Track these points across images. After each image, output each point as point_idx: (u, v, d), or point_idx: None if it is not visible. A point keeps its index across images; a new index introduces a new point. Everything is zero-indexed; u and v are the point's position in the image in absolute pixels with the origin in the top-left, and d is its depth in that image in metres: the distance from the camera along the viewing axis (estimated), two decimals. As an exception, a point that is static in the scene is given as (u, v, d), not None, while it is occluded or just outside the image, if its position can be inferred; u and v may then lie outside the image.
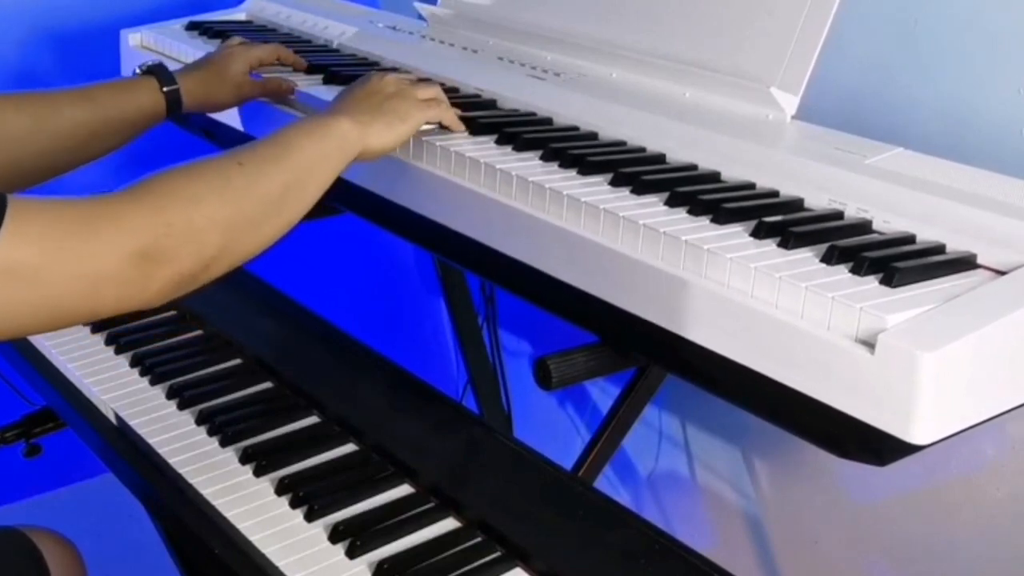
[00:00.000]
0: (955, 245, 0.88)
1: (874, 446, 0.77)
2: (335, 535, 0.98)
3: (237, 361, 1.29)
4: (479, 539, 0.98)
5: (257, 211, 0.90)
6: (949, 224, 0.89)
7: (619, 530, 0.98)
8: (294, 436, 1.14)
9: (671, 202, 0.95)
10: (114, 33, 1.65)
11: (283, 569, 0.94)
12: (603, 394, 1.95)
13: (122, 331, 1.34)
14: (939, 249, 0.88)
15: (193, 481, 1.06)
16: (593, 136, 1.15)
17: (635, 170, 1.01)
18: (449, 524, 1.01)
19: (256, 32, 1.65)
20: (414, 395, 1.20)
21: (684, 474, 1.84)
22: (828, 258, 0.84)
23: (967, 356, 0.73)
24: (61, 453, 1.53)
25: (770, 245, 0.87)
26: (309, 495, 1.03)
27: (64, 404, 1.26)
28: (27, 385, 1.38)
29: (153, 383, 1.24)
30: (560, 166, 1.05)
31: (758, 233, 0.89)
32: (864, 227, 0.92)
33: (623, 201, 0.95)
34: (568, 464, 1.23)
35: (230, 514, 1.01)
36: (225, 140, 1.48)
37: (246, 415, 1.17)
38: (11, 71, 1.82)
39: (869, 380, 0.74)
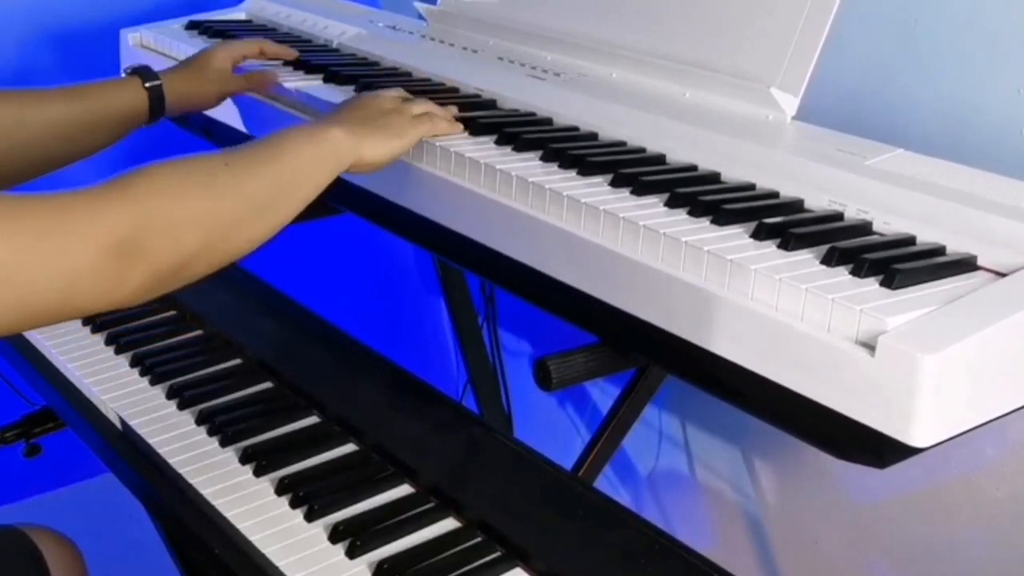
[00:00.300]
0: (956, 247, 0.88)
1: (874, 448, 0.77)
2: (335, 535, 0.98)
3: (237, 361, 1.29)
4: (479, 539, 0.99)
5: (241, 211, 0.89)
6: (950, 225, 0.89)
7: (619, 530, 0.98)
8: (294, 436, 1.14)
9: (671, 203, 0.95)
10: (114, 33, 1.65)
11: (283, 569, 0.94)
12: (603, 394, 1.95)
13: (122, 331, 1.34)
14: (939, 251, 0.88)
15: (193, 481, 1.06)
16: (593, 136, 1.15)
17: (635, 171, 1.01)
18: (449, 524, 1.01)
19: (256, 32, 1.64)
20: (414, 395, 1.20)
21: (684, 474, 1.84)
22: (828, 260, 0.84)
23: (968, 358, 0.73)
24: (61, 453, 1.53)
25: (770, 246, 0.87)
26: (309, 495, 1.03)
27: (64, 404, 1.26)
28: (27, 385, 1.38)
29: (153, 383, 1.24)
30: (560, 167, 1.05)
31: (758, 234, 0.89)
32: (864, 228, 0.92)
33: (623, 202, 0.95)
34: (568, 464, 1.23)
35: (230, 514, 1.01)
36: (225, 139, 1.48)
37: (246, 415, 1.17)
38: (11, 71, 1.82)
39: (869, 382, 0.74)
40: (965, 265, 0.85)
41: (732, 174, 1.03)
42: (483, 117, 1.17)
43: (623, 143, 1.12)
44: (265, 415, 1.17)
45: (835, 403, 0.76)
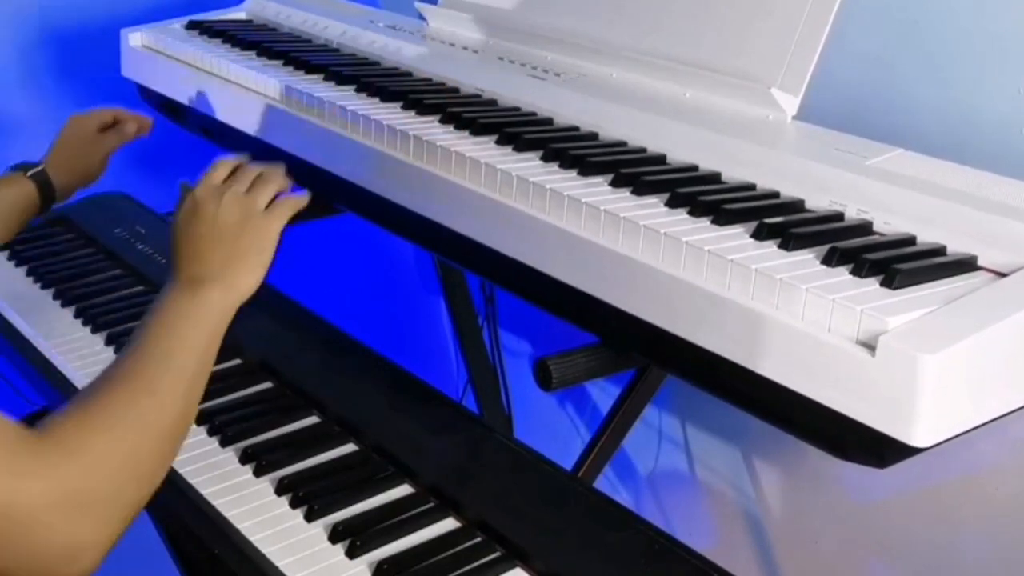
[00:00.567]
0: (956, 247, 0.88)
1: (874, 448, 0.77)
2: (335, 535, 0.98)
3: (237, 361, 1.29)
4: (479, 539, 0.98)
5: (172, 429, 0.88)
6: (950, 226, 0.89)
7: (619, 530, 0.98)
8: (294, 436, 1.14)
9: (672, 203, 0.95)
10: (114, 33, 1.65)
11: (283, 569, 0.94)
12: (603, 394, 1.95)
13: (123, 331, 1.34)
14: (940, 251, 0.88)
15: (193, 481, 1.06)
16: (593, 136, 1.15)
17: (636, 171, 1.01)
18: (449, 524, 1.01)
19: (256, 31, 1.65)
20: (414, 395, 1.20)
21: (684, 474, 1.84)
22: (829, 260, 0.84)
23: (968, 358, 0.73)
24: (61, 453, 1.53)
25: (771, 246, 0.87)
26: (309, 495, 1.03)
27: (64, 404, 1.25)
28: (27, 385, 1.38)
29: (153, 383, 1.24)
30: (560, 167, 1.05)
31: (759, 234, 0.89)
32: (865, 228, 0.92)
33: (624, 202, 0.95)
34: (568, 464, 1.23)
35: (230, 514, 1.01)
36: (225, 139, 1.48)
37: (246, 415, 1.17)
38: (12, 71, 1.82)
39: (870, 382, 0.74)
40: (965, 265, 0.85)
41: (733, 174, 1.03)
42: (483, 117, 1.17)
43: (623, 143, 1.12)
44: (265, 415, 1.17)
45: (835, 403, 0.76)
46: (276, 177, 1.04)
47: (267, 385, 1.25)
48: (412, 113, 1.21)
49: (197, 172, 1.03)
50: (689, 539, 0.98)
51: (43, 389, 1.31)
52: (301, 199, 1.05)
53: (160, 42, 1.59)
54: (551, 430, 2.07)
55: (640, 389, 1.32)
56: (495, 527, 0.99)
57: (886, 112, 1.34)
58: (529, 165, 1.05)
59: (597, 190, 0.98)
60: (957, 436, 0.76)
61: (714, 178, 1.03)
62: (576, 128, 1.16)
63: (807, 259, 0.85)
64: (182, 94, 1.51)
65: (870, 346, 0.74)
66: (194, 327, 0.93)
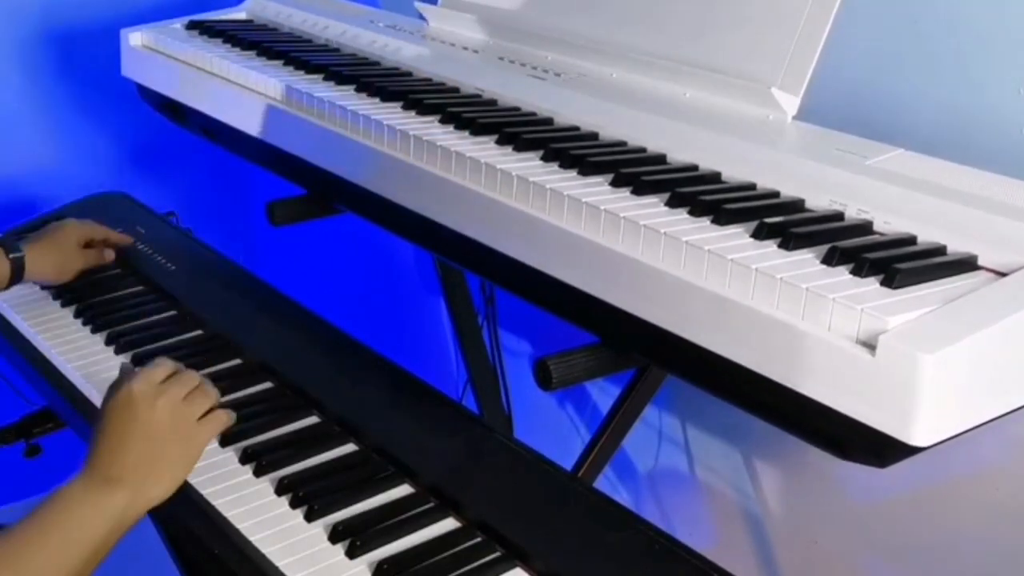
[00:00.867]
0: (956, 246, 0.88)
1: (874, 447, 0.77)
2: (335, 535, 0.98)
3: (237, 361, 1.29)
4: (479, 539, 0.98)
5: None
6: (950, 225, 0.89)
7: (619, 530, 0.98)
8: (294, 436, 1.14)
9: (672, 203, 0.95)
10: (114, 33, 1.65)
11: (283, 569, 0.94)
12: (603, 394, 1.95)
13: (122, 331, 1.34)
14: (940, 250, 0.88)
15: (193, 481, 1.06)
16: (594, 136, 1.15)
17: (636, 170, 1.01)
18: (449, 524, 1.01)
19: (257, 31, 1.65)
20: (414, 395, 1.20)
21: (684, 474, 1.84)
22: (829, 259, 0.84)
23: (968, 358, 0.73)
24: (61, 453, 1.53)
25: (771, 246, 0.87)
26: (309, 495, 1.03)
27: (64, 404, 1.25)
28: (27, 385, 1.38)
29: (153, 383, 1.24)
30: (560, 166, 1.05)
31: (759, 234, 0.89)
32: (865, 228, 0.92)
33: (624, 202, 0.95)
34: (568, 464, 1.23)
35: (230, 514, 1.01)
36: (225, 139, 1.48)
37: (246, 415, 1.16)
38: (13, 71, 1.82)
39: (870, 381, 0.74)
40: (965, 265, 0.85)
41: (733, 174, 1.03)
42: (483, 117, 1.17)
43: (623, 143, 1.12)
44: (265, 415, 1.17)
45: (835, 402, 0.76)
46: (212, 392, 1.06)
47: (267, 385, 1.25)
48: (412, 113, 1.21)
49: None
50: (689, 539, 0.98)
51: (43, 389, 1.31)
52: (232, 416, 1.08)
53: (160, 42, 1.59)
54: (551, 430, 2.07)
55: (640, 389, 1.32)
56: (495, 527, 0.99)
57: (886, 112, 1.34)
58: (529, 165, 1.05)
59: (597, 190, 0.98)
60: (957, 436, 0.76)
61: (714, 178, 1.03)
62: (576, 128, 1.16)
63: (807, 259, 0.85)
64: (182, 94, 1.52)
65: (870, 345, 0.74)
66: (88, 530, 0.92)
